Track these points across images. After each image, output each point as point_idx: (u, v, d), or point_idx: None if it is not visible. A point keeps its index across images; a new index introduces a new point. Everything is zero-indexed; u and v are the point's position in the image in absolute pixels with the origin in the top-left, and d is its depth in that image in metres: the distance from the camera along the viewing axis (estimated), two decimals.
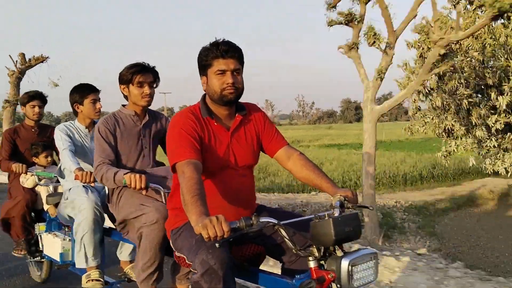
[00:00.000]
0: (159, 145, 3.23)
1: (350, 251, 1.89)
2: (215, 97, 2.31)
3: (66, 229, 4.29)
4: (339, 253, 1.89)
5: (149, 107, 3.13)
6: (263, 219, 1.89)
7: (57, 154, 4.81)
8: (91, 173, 3.19)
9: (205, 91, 2.39)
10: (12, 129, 4.69)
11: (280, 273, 2.36)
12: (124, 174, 2.70)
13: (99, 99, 3.73)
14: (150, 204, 2.71)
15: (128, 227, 2.91)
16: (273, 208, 2.56)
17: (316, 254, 1.92)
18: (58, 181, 4.45)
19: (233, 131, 2.39)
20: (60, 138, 3.58)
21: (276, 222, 1.91)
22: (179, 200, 2.38)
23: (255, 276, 2.25)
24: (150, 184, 2.71)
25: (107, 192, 3.25)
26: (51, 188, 4.33)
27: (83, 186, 3.49)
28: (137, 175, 2.66)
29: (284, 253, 2.37)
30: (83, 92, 3.69)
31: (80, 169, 3.28)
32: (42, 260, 4.46)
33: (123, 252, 3.69)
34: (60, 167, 3.75)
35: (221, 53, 2.26)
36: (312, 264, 1.91)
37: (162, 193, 2.77)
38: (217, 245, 1.78)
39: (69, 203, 3.47)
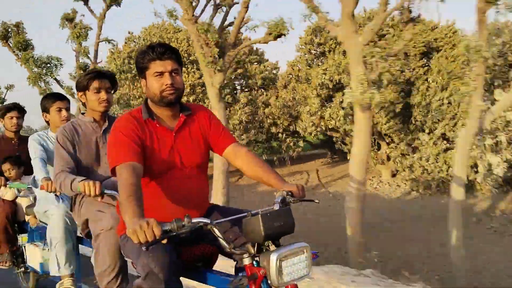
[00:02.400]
0: None
1: (282, 246, 1.88)
2: (156, 99, 2.31)
3: (46, 239, 4.34)
4: (272, 248, 1.88)
5: (108, 113, 3.14)
6: (194, 220, 1.88)
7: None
8: None
9: (145, 93, 2.40)
10: None
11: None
12: (79, 181, 2.71)
13: (67, 107, 3.75)
14: (106, 211, 2.72)
15: (88, 234, 2.92)
16: (225, 207, 2.56)
17: (251, 251, 1.91)
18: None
19: (176, 131, 2.39)
20: (32, 147, 3.61)
21: (209, 222, 1.91)
22: None
23: (204, 275, 2.26)
24: (105, 190, 2.71)
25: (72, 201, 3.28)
26: (31, 198, 4.36)
27: (55, 194, 3.51)
28: (91, 182, 2.66)
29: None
30: (48, 100, 3.73)
31: (47, 178, 3.30)
32: (28, 271, 4.50)
33: None
34: (34, 176, 3.78)
35: (157, 55, 2.26)
36: (246, 261, 1.90)
37: (118, 199, 2.77)
38: (143, 248, 1.78)
39: (41, 212, 3.49)
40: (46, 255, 3.93)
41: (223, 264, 2.92)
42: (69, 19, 13.44)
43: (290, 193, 2.15)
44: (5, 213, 4.32)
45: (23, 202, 4.42)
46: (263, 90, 21.70)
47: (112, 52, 17.56)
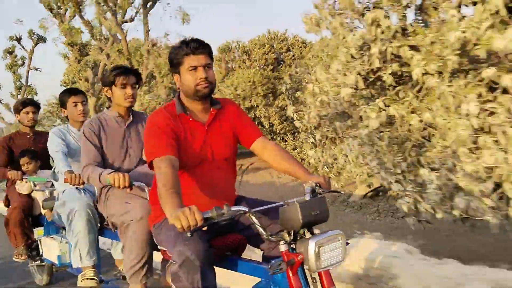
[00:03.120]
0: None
1: (318, 233, 1.96)
2: (190, 93, 2.39)
3: (63, 232, 4.41)
4: (308, 235, 1.96)
5: (132, 108, 3.22)
6: (234, 208, 1.96)
7: (52, 159, 4.93)
8: (80, 175, 3.28)
9: (179, 88, 2.47)
10: (8, 136, 4.80)
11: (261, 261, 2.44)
12: (108, 173, 2.79)
13: (83, 101, 3.82)
14: (134, 202, 2.79)
15: (116, 225, 2.99)
16: (252, 198, 2.63)
17: (287, 238, 1.99)
18: (53, 186, 4.57)
19: (208, 125, 2.47)
20: (53, 141, 3.68)
21: (247, 210, 1.99)
22: (157, 194, 2.47)
23: (235, 264, 2.33)
24: (134, 182, 2.79)
25: (97, 193, 3.35)
26: (47, 192, 4.42)
27: (76, 188, 3.58)
28: (121, 174, 2.74)
29: (263, 241, 2.45)
30: (64, 96, 3.82)
31: (70, 171, 3.37)
32: (43, 264, 4.57)
33: (117, 250, 3.79)
34: (54, 170, 3.85)
35: (191, 49, 2.34)
36: (283, 248, 1.98)
37: (147, 190, 2.85)
38: (188, 234, 1.86)
39: (62, 205, 3.56)
40: (64, 247, 4.00)
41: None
42: (9, 52, 16.53)
43: (318, 184, 2.23)
44: (21, 207, 4.39)
45: (38, 196, 4.48)
46: None
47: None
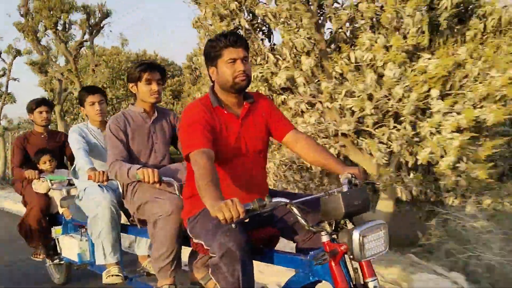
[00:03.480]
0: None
1: (360, 223, 1.97)
2: (228, 86, 2.40)
3: (82, 230, 4.41)
4: (350, 226, 1.97)
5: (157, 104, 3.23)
6: (275, 199, 1.97)
7: (67, 158, 4.93)
8: (103, 172, 3.28)
9: (214, 81, 2.48)
10: (22, 136, 4.80)
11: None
12: (137, 169, 2.79)
13: (100, 100, 3.81)
14: (164, 197, 2.79)
15: (143, 220, 2.99)
16: (285, 191, 2.65)
17: (328, 229, 2.00)
18: (70, 184, 4.56)
19: (242, 118, 2.48)
20: (73, 138, 3.68)
21: (288, 201, 2.00)
22: (194, 188, 2.47)
23: (271, 256, 2.34)
24: (162, 177, 2.79)
25: (121, 189, 3.35)
26: (64, 191, 4.42)
27: (98, 185, 3.59)
28: (150, 170, 2.75)
29: (297, 233, 2.46)
30: (82, 95, 3.82)
31: (93, 169, 3.37)
32: (61, 262, 4.57)
33: (141, 247, 3.79)
34: (74, 167, 3.85)
35: (231, 42, 2.35)
36: (324, 238, 1.99)
37: (175, 185, 2.85)
38: (233, 225, 1.87)
39: (84, 202, 3.56)
40: (84, 245, 4.01)
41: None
42: None
43: (354, 176, 2.24)
44: (39, 206, 4.38)
45: (55, 194, 4.48)
46: None
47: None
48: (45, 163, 4.52)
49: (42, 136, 4.77)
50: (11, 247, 6.46)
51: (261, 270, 3.82)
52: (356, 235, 1.87)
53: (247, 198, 2.33)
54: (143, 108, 3.16)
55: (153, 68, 3.09)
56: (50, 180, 4.30)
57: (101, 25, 14.76)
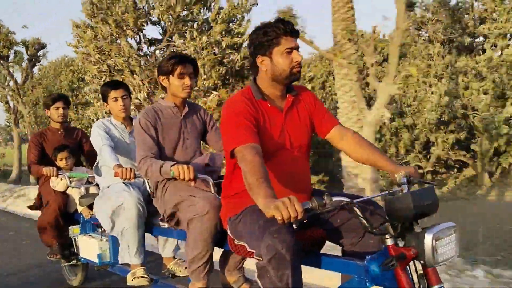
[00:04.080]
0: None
1: (428, 226, 1.81)
2: (283, 76, 2.25)
3: (101, 230, 4.26)
4: (417, 228, 1.81)
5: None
6: (335, 198, 1.82)
7: (83, 155, 4.78)
8: (131, 169, 3.13)
9: (258, 73, 2.32)
10: (39, 132, 4.65)
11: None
12: (171, 165, 2.64)
13: (123, 95, 3.64)
14: (199, 195, 2.64)
15: (176, 220, 2.83)
16: (328, 191, 2.49)
17: (392, 231, 1.84)
18: (88, 182, 4.41)
19: (286, 111, 2.32)
20: (97, 134, 3.52)
21: (349, 201, 1.84)
22: (235, 186, 2.32)
23: (320, 260, 2.18)
24: (198, 174, 2.64)
25: (148, 187, 3.20)
26: (83, 189, 4.27)
27: (123, 182, 3.44)
28: (185, 166, 2.59)
29: (344, 236, 2.31)
30: (105, 90, 3.66)
31: (119, 165, 3.22)
32: (78, 263, 4.41)
33: (166, 248, 3.61)
34: (97, 164, 3.69)
35: (290, 30, 2.20)
36: (389, 242, 1.83)
37: (211, 183, 2.70)
38: (294, 226, 1.73)
39: (109, 200, 3.40)
40: (104, 246, 3.86)
41: None
42: None
43: (410, 175, 2.09)
44: (57, 204, 4.23)
45: (74, 192, 4.33)
46: None
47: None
48: (62, 160, 4.37)
49: (59, 132, 4.62)
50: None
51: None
52: (428, 239, 1.71)
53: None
54: (173, 103, 3.00)
55: (186, 61, 2.93)
56: (69, 178, 4.14)
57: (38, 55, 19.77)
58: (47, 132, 4.63)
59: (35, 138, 4.55)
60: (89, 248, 4.00)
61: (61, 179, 4.29)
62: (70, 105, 4.88)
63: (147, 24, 10.25)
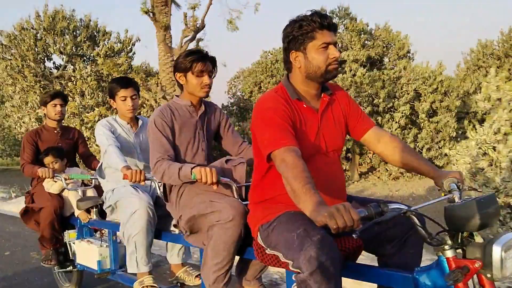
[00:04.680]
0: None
1: (491, 237, 1.68)
2: (318, 74, 2.08)
3: (98, 235, 4.05)
4: (478, 239, 1.68)
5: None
6: (392, 206, 1.68)
7: (79, 156, 4.56)
8: (141, 171, 2.95)
9: (291, 70, 2.17)
10: (34, 131, 4.40)
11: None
12: (192, 168, 2.47)
13: (133, 95, 3.44)
14: (223, 200, 2.46)
15: (194, 226, 2.65)
16: (360, 197, 2.35)
17: (450, 242, 1.71)
18: (85, 185, 4.20)
19: (322, 112, 2.17)
20: (102, 133, 3.31)
21: (407, 209, 1.70)
22: (268, 192, 2.16)
23: (361, 271, 2.03)
24: (220, 178, 2.47)
25: (158, 190, 3.02)
26: (79, 192, 4.06)
27: (130, 185, 3.25)
28: (207, 169, 2.42)
29: (382, 246, 2.17)
30: (114, 88, 3.43)
31: (128, 167, 3.03)
32: (73, 270, 4.19)
33: (174, 255, 3.43)
34: (100, 166, 3.49)
35: (326, 24, 2.03)
36: (449, 253, 1.69)
37: (234, 188, 2.53)
38: (354, 236, 1.57)
39: (115, 204, 3.21)
40: (105, 252, 3.67)
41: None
42: None
43: (459, 181, 1.98)
44: (53, 207, 3.99)
45: (70, 196, 4.10)
46: None
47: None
48: (48, 165, 4.13)
49: (55, 131, 4.40)
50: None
51: None
52: (497, 250, 1.58)
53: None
54: (190, 101, 2.83)
55: (206, 58, 2.76)
56: (70, 179, 3.93)
57: None
58: (43, 130, 4.40)
59: (30, 137, 4.31)
60: (88, 254, 3.79)
61: (55, 181, 4.08)
62: (68, 103, 4.66)
63: (46, 59, 14.63)
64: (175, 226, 2.92)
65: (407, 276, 1.87)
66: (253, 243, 2.34)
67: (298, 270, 1.86)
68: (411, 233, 2.09)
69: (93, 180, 4.12)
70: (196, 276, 3.19)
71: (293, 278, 1.92)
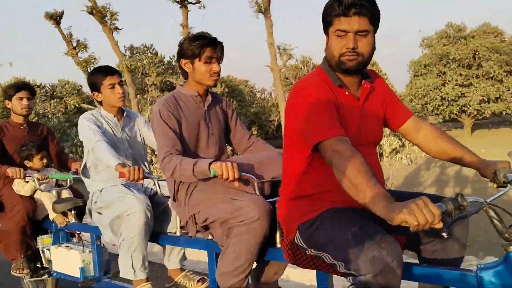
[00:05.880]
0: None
1: None
2: (333, 63, 1.91)
3: (75, 239, 3.73)
4: None
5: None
6: (470, 199, 1.52)
7: (51, 155, 4.18)
8: (139, 168, 2.67)
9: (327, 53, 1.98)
10: None
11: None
12: (210, 163, 2.23)
13: (120, 81, 3.14)
14: (245, 198, 2.24)
15: (209, 228, 2.42)
16: (395, 191, 2.19)
17: None
18: (58, 185, 3.85)
19: (363, 101, 2.00)
20: (88, 128, 2.98)
21: (484, 202, 1.55)
22: (310, 186, 1.97)
23: (413, 271, 1.87)
24: (241, 173, 2.25)
25: (158, 188, 2.77)
26: (54, 193, 3.71)
27: (122, 184, 2.95)
28: (229, 164, 2.19)
29: (424, 242, 2.03)
30: (97, 77, 3.11)
31: (123, 164, 2.75)
32: (47, 278, 3.82)
33: (172, 259, 3.15)
34: (85, 164, 3.16)
35: (343, 9, 1.82)
36: None
37: (256, 184, 2.32)
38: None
39: (108, 206, 2.91)
40: (88, 258, 3.36)
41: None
42: None
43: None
44: (25, 210, 3.62)
45: (44, 197, 3.74)
46: None
47: None
48: (41, 159, 3.80)
49: (22, 127, 4.01)
50: None
51: None
52: None
53: None
54: (197, 91, 2.58)
55: (216, 44, 2.52)
56: (38, 180, 3.59)
57: None
58: (7, 126, 3.99)
59: None
60: (68, 261, 3.46)
61: (27, 181, 3.71)
62: (36, 96, 4.26)
63: None
64: (182, 227, 2.67)
65: (469, 274, 1.73)
66: (282, 244, 2.15)
67: (353, 272, 1.69)
68: (456, 224, 1.95)
69: (68, 180, 3.79)
70: (199, 281, 2.95)
71: (349, 281, 1.74)
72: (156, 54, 22.33)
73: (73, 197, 3.71)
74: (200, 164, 2.26)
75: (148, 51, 22.78)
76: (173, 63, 21.32)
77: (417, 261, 2.17)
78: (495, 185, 1.91)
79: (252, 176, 2.30)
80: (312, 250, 1.91)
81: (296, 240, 1.98)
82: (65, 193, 3.78)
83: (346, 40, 1.85)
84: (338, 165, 1.68)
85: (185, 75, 2.59)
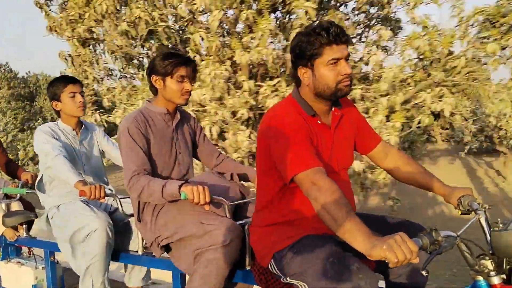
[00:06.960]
0: None
1: None
2: (327, 92, 1.90)
3: (25, 254, 3.59)
4: None
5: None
6: (443, 233, 1.59)
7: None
8: (101, 186, 2.59)
9: (300, 85, 1.99)
10: None
11: None
12: (180, 185, 2.19)
13: (81, 91, 3.04)
14: (216, 221, 2.22)
15: (175, 250, 2.38)
16: (366, 214, 2.23)
17: (491, 267, 1.66)
18: (7, 197, 3.68)
19: (334, 129, 2.03)
20: (45, 141, 2.86)
21: (456, 236, 1.62)
22: (282, 214, 1.99)
23: None
24: (212, 196, 2.23)
25: (120, 207, 2.69)
26: (3, 206, 3.54)
27: (81, 201, 2.86)
28: (200, 187, 2.16)
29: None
30: (58, 86, 3.00)
31: (84, 182, 2.66)
32: None
33: (133, 277, 3.08)
34: (41, 179, 3.03)
35: (334, 38, 1.86)
36: (496, 280, 1.64)
37: (227, 207, 2.31)
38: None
39: (64, 224, 2.80)
40: (41, 275, 3.24)
41: None
42: None
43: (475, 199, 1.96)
44: None
45: None
46: None
47: None
48: None
49: None
50: None
51: None
52: None
53: None
54: (166, 108, 2.54)
55: (188, 63, 2.48)
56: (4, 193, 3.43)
57: None
58: None
59: None
60: (19, 277, 3.33)
61: (3, 192, 3.54)
62: None
63: None
64: (145, 248, 2.62)
65: None
66: (253, 268, 2.16)
67: None
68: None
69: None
70: None
71: None
72: None
73: (24, 210, 3.56)
74: (170, 186, 2.22)
75: None
76: None
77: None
78: (459, 212, 2.00)
79: (223, 199, 2.29)
80: (287, 278, 1.92)
81: (270, 267, 1.99)
82: (15, 206, 3.62)
83: (340, 67, 1.87)
84: (317, 198, 1.69)
85: (155, 91, 2.54)
